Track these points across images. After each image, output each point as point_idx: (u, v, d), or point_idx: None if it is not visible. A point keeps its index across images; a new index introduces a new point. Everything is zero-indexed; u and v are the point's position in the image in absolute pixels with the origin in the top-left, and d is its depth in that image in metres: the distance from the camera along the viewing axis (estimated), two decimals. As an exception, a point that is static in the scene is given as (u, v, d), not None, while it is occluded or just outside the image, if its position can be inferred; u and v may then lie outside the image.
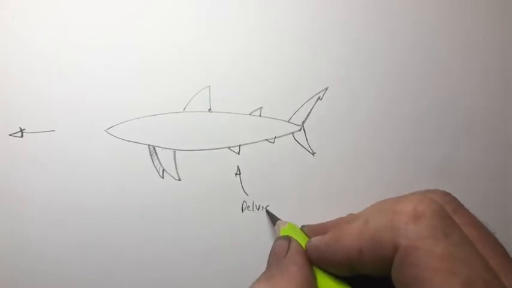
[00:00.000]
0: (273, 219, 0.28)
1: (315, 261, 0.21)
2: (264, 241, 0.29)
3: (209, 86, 0.29)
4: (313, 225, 0.25)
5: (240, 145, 0.29)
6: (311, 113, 0.29)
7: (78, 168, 0.28)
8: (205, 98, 0.29)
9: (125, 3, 0.28)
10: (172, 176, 0.28)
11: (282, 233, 0.25)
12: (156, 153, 0.28)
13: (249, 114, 0.29)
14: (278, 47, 0.29)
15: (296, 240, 0.23)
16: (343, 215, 0.29)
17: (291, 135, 0.29)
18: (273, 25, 0.29)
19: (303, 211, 0.29)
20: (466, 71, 0.30)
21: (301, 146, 0.29)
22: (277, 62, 0.29)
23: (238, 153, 0.29)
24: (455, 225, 0.17)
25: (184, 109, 0.29)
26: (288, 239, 0.23)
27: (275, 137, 0.29)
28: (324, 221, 0.28)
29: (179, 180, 0.28)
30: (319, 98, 0.29)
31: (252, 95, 0.29)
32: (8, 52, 0.28)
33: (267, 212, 0.29)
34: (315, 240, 0.21)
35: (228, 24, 0.29)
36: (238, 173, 0.29)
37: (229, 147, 0.29)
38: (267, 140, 0.29)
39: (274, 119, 0.29)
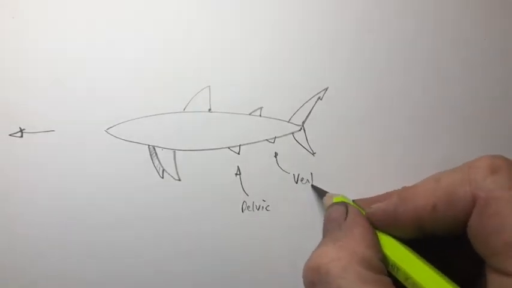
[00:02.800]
0: (321, 193, 0.28)
1: (379, 225, 0.21)
2: (264, 241, 0.29)
3: (209, 86, 0.29)
4: (365, 198, 0.25)
5: (240, 145, 0.29)
6: (311, 113, 0.29)
7: (78, 168, 0.28)
8: (205, 98, 0.29)
9: (125, 3, 0.28)
10: (172, 176, 0.28)
11: (335, 201, 0.25)
12: (156, 153, 0.28)
13: (249, 114, 0.29)
14: (278, 47, 0.29)
15: (353, 205, 0.23)
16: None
17: (291, 135, 0.29)
18: (273, 25, 0.29)
19: (303, 211, 0.29)
20: (466, 71, 0.30)
21: (301, 146, 0.29)
22: (277, 62, 0.29)
23: (238, 153, 0.29)
24: None
25: (184, 109, 0.29)
26: (344, 204, 0.23)
27: (275, 137, 0.29)
28: (320, 223, 0.28)
29: (179, 180, 0.28)
30: (319, 98, 0.29)
31: (252, 95, 0.29)
32: (8, 52, 0.28)
33: (313, 186, 0.28)
34: (379, 204, 0.21)
35: (228, 24, 0.29)
36: (238, 173, 0.29)
37: (229, 147, 0.29)
38: (267, 140, 0.29)
39: (274, 119, 0.29)
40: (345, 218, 0.22)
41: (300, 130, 0.29)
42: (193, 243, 0.28)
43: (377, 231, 0.21)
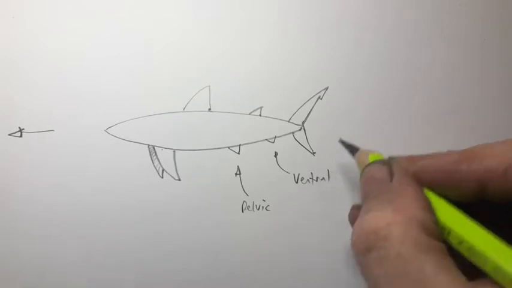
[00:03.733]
0: (351, 149, 0.26)
1: (429, 185, 0.20)
2: (264, 241, 0.28)
3: (209, 86, 0.29)
4: (405, 156, 0.22)
5: (240, 145, 0.29)
6: (311, 113, 0.29)
7: (78, 168, 0.28)
8: (205, 97, 0.29)
9: (125, 3, 0.28)
10: (172, 176, 0.28)
11: (371, 159, 0.23)
12: (156, 153, 0.28)
13: (249, 114, 0.29)
14: (278, 46, 0.29)
15: (397, 163, 0.21)
16: (345, 214, 0.29)
17: (291, 135, 0.29)
18: (273, 25, 0.29)
19: (303, 211, 0.29)
20: (466, 71, 0.30)
21: (302, 146, 0.29)
22: (277, 62, 0.29)
23: (238, 153, 0.29)
24: None
25: (184, 109, 0.28)
26: (388, 162, 0.21)
27: (275, 137, 0.29)
28: (320, 223, 0.28)
29: (179, 180, 0.28)
30: (319, 97, 0.29)
31: (252, 95, 0.29)
32: (8, 52, 0.28)
33: (342, 142, 0.26)
34: (433, 161, 0.20)
35: (228, 24, 0.29)
36: (238, 173, 0.29)
37: (229, 147, 0.29)
38: (267, 140, 0.29)
39: (274, 119, 0.29)
40: (391, 179, 0.20)
41: (300, 130, 0.29)
42: (193, 243, 0.28)
43: (426, 192, 0.20)
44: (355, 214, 0.24)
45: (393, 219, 0.17)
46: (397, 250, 0.16)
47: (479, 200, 0.19)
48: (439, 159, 0.20)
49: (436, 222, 0.18)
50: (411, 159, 0.21)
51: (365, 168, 0.22)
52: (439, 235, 0.18)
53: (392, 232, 0.17)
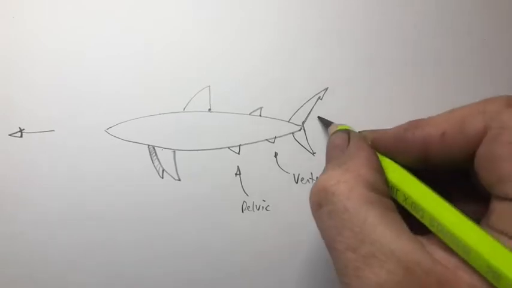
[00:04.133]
0: (326, 123, 0.28)
1: (383, 151, 0.22)
2: (264, 241, 0.28)
3: (209, 86, 0.29)
4: (370, 130, 0.24)
5: (240, 145, 0.29)
6: (311, 113, 0.29)
7: (78, 168, 0.28)
8: (205, 98, 0.29)
9: (125, 3, 0.28)
10: (172, 176, 0.28)
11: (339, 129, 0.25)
12: (156, 153, 0.28)
13: (249, 114, 0.29)
14: (278, 46, 0.29)
15: (356, 132, 0.23)
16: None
17: (291, 135, 0.29)
18: (273, 25, 0.29)
19: (303, 211, 0.29)
20: (466, 72, 0.30)
21: (302, 146, 0.29)
22: (277, 62, 0.29)
23: (238, 153, 0.29)
24: None
25: (184, 109, 0.28)
26: (347, 131, 0.23)
27: (275, 137, 0.29)
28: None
29: (179, 180, 0.28)
30: (319, 98, 0.29)
31: (252, 95, 0.29)
32: (8, 52, 0.28)
33: (319, 118, 0.29)
34: (387, 129, 0.22)
35: (228, 24, 0.29)
36: (238, 173, 0.29)
37: (229, 147, 0.29)
38: (267, 140, 0.29)
39: (274, 119, 0.29)
40: (348, 145, 0.22)
41: (300, 130, 0.29)
42: (193, 243, 0.28)
43: (380, 157, 0.21)
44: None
45: (342, 178, 0.19)
46: (343, 204, 0.18)
47: (428, 166, 0.20)
48: (392, 129, 0.22)
49: (384, 182, 0.20)
50: (373, 131, 0.23)
51: (330, 137, 0.24)
52: (386, 193, 0.19)
53: (340, 188, 0.19)
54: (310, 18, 0.29)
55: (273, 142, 0.29)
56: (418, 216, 0.19)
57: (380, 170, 0.20)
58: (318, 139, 0.29)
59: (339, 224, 0.18)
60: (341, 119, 0.29)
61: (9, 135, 0.27)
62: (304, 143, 0.29)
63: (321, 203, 0.19)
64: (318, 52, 0.29)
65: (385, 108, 0.30)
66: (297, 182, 0.29)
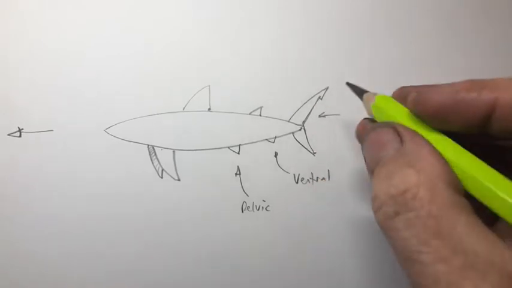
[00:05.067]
0: (358, 91, 0.25)
1: (430, 113, 0.19)
2: (264, 241, 0.28)
3: (209, 86, 0.29)
4: (413, 86, 0.21)
5: (240, 145, 0.29)
6: (311, 113, 0.29)
7: (77, 168, 0.27)
8: (205, 97, 0.29)
9: (125, 3, 0.28)
10: (171, 176, 0.28)
11: (377, 101, 0.22)
12: (155, 153, 0.28)
13: (249, 114, 0.29)
14: (278, 46, 0.29)
15: (401, 125, 0.20)
16: (345, 214, 0.29)
17: (291, 135, 0.29)
18: (273, 25, 0.29)
19: (303, 211, 0.29)
20: (466, 72, 0.30)
21: (302, 146, 0.29)
22: (277, 62, 0.29)
23: (238, 153, 0.29)
24: None
25: (183, 109, 0.28)
26: (390, 124, 0.20)
27: (275, 137, 0.29)
28: (320, 222, 0.28)
29: (178, 180, 0.28)
30: (319, 97, 0.29)
31: (252, 95, 0.29)
32: (7, 52, 0.28)
33: (349, 84, 0.26)
34: (435, 88, 0.19)
35: (228, 24, 0.29)
36: (238, 173, 0.28)
37: (229, 147, 0.29)
38: (267, 140, 0.29)
39: (274, 119, 0.29)
40: (399, 140, 0.19)
41: (300, 130, 0.29)
42: (192, 244, 0.28)
43: (427, 135, 0.19)
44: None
45: (419, 181, 0.17)
46: (427, 210, 0.16)
47: (480, 132, 0.19)
48: (444, 87, 0.19)
49: (456, 176, 0.18)
50: (416, 87, 0.20)
51: (368, 135, 0.21)
52: (463, 191, 0.18)
53: (421, 193, 0.17)
54: (310, 18, 0.29)
55: (273, 142, 0.29)
56: (486, 202, 0.17)
57: (447, 163, 0.18)
58: (318, 139, 0.29)
59: (422, 233, 0.16)
60: (341, 118, 0.29)
61: (8, 135, 0.27)
62: (304, 143, 0.29)
63: (398, 211, 0.17)
64: (318, 52, 0.29)
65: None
66: (297, 182, 0.29)
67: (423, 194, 0.17)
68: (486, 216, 0.17)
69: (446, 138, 0.19)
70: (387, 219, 0.17)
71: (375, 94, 0.23)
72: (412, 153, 0.18)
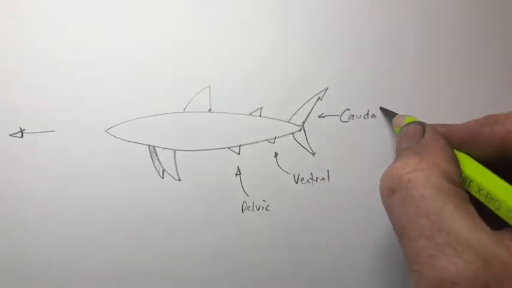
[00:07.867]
0: (390, 114, 0.28)
1: (456, 144, 0.22)
2: (264, 241, 0.29)
3: (209, 86, 0.29)
4: (442, 124, 0.25)
5: (240, 145, 0.29)
6: (311, 113, 0.29)
7: (78, 168, 0.28)
8: (205, 98, 0.29)
9: (125, 3, 0.28)
10: (172, 176, 0.28)
11: (407, 122, 0.25)
12: (156, 154, 0.28)
13: (249, 114, 0.29)
14: (278, 47, 0.29)
15: (429, 124, 0.23)
16: (344, 214, 0.29)
17: (291, 135, 0.29)
18: (273, 25, 0.29)
19: (303, 211, 0.29)
20: (466, 72, 0.30)
21: (301, 146, 0.29)
22: (277, 62, 0.29)
23: (238, 153, 0.29)
24: None
25: (184, 109, 0.29)
26: (422, 123, 0.24)
27: (275, 137, 0.29)
28: (320, 223, 0.28)
29: (179, 180, 0.28)
30: (319, 98, 0.29)
31: (252, 95, 0.29)
32: (8, 52, 0.28)
33: (382, 109, 0.29)
34: (458, 125, 0.22)
35: (228, 24, 0.29)
36: (238, 173, 0.29)
37: (229, 147, 0.29)
38: (267, 140, 0.29)
39: (274, 119, 0.29)
40: (422, 136, 0.22)
41: (300, 130, 0.29)
42: (193, 243, 0.28)
43: (454, 150, 0.22)
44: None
45: (419, 166, 0.19)
46: (420, 192, 0.18)
47: (501, 160, 0.21)
48: (465, 124, 0.22)
49: (459, 174, 0.20)
50: (444, 125, 0.24)
51: (402, 128, 0.24)
52: (461, 185, 0.19)
53: (417, 176, 0.19)
54: (310, 18, 0.29)
55: (273, 142, 0.29)
56: (493, 207, 0.19)
57: (455, 162, 0.20)
58: (318, 139, 0.29)
59: (413, 211, 0.18)
60: (341, 119, 0.29)
61: (10, 135, 0.28)
62: (304, 143, 0.29)
63: (395, 189, 0.19)
64: (317, 52, 0.29)
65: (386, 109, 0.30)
66: (297, 182, 0.29)
67: (419, 178, 0.19)
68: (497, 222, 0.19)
69: (467, 156, 0.21)
70: (385, 196, 0.20)
71: (404, 116, 0.26)
72: (425, 146, 0.21)
